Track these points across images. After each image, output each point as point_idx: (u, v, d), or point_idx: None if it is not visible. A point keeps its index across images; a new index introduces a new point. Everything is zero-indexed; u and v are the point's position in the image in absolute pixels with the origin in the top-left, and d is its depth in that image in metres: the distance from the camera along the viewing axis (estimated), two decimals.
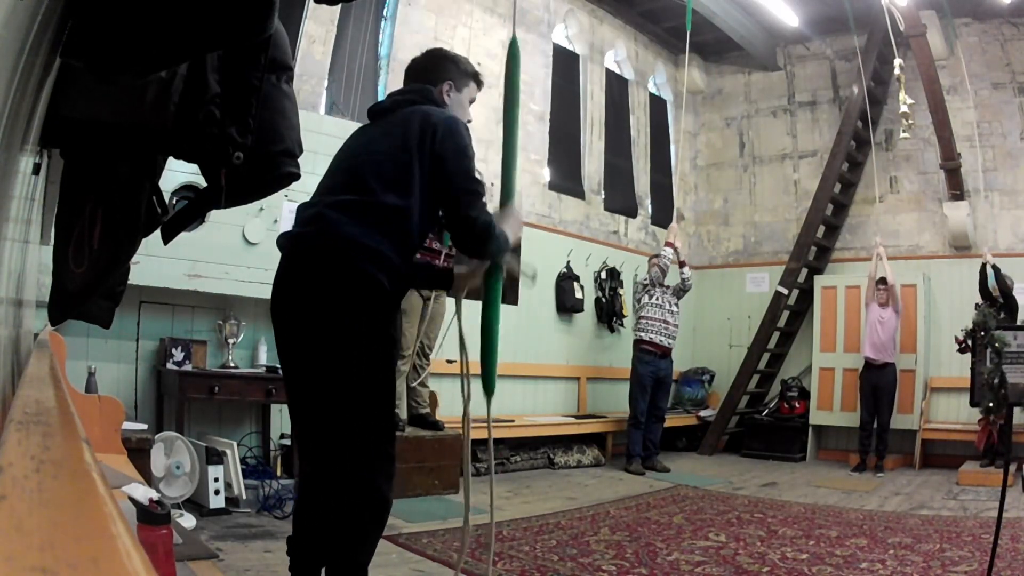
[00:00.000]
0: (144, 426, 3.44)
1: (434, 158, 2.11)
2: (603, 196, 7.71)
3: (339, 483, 2.10)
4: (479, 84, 2.45)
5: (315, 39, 5.19)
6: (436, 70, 2.36)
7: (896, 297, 6.62)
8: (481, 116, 6.38)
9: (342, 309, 2.05)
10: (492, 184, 6.46)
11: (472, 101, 2.44)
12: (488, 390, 2.34)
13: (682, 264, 6.54)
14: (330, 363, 2.06)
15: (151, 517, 1.39)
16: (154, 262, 3.59)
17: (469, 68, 2.42)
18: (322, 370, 2.07)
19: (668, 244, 6.43)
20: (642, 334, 6.37)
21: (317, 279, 2.06)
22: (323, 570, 2.20)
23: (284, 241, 2.16)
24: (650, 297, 6.38)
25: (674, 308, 6.42)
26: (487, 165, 6.39)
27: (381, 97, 5.24)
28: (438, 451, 4.68)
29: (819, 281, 7.68)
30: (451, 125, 2.17)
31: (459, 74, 2.38)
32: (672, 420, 7.11)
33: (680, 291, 6.54)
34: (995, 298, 6.17)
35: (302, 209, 2.19)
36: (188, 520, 3.30)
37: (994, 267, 6.26)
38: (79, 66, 1.09)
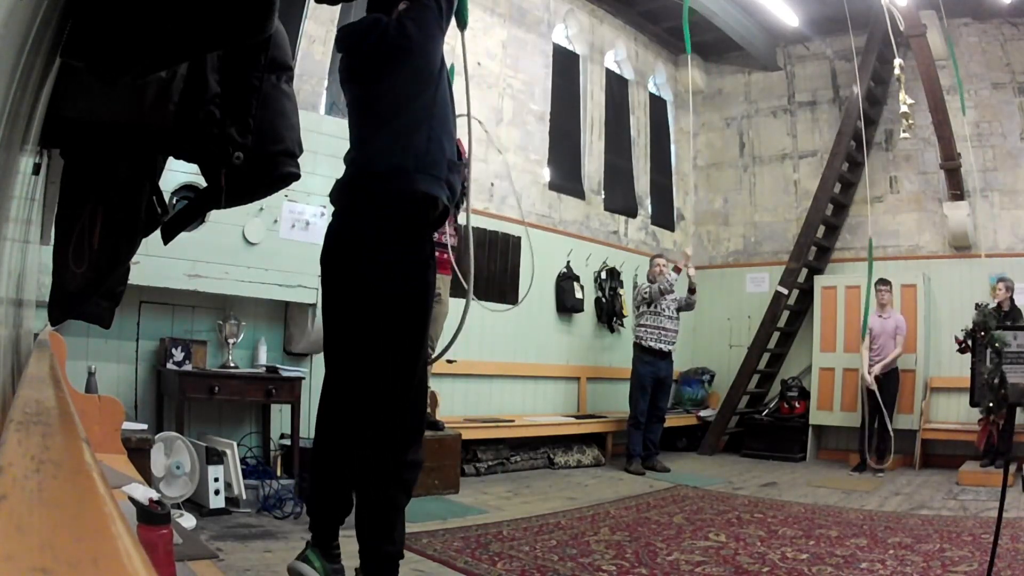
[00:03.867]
0: (144, 426, 3.44)
1: (415, 33, 2.23)
2: (603, 196, 7.71)
3: (371, 443, 2.18)
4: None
5: (315, 39, 5.20)
6: None
7: (900, 327, 6.57)
8: (481, 116, 6.37)
9: (393, 229, 2.20)
10: (492, 184, 6.46)
11: None
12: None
13: (692, 290, 6.41)
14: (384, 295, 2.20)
15: (151, 517, 1.38)
16: (154, 262, 3.59)
17: None
18: (372, 313, 2.20)
19: (676, 269, 6.33)
20: (640, 341, 6.38)
21: (372, 201, 2.21)
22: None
23: (335, 194, 2.32)
24: (648, 307, 6.37)
25: (673, 314, 6.42)
26: (487, 165, 6.39)
27: None
28: (438, 451, 4.68)
29: (819, 281, 7.68)
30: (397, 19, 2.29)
31: None
32: (672, 420, 7.11)
33: (683, 308, 6.50)
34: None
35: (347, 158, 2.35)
36: (188, 520, 3.29)
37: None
38: (79, 66, 1.09)
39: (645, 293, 6.39)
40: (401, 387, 2.18)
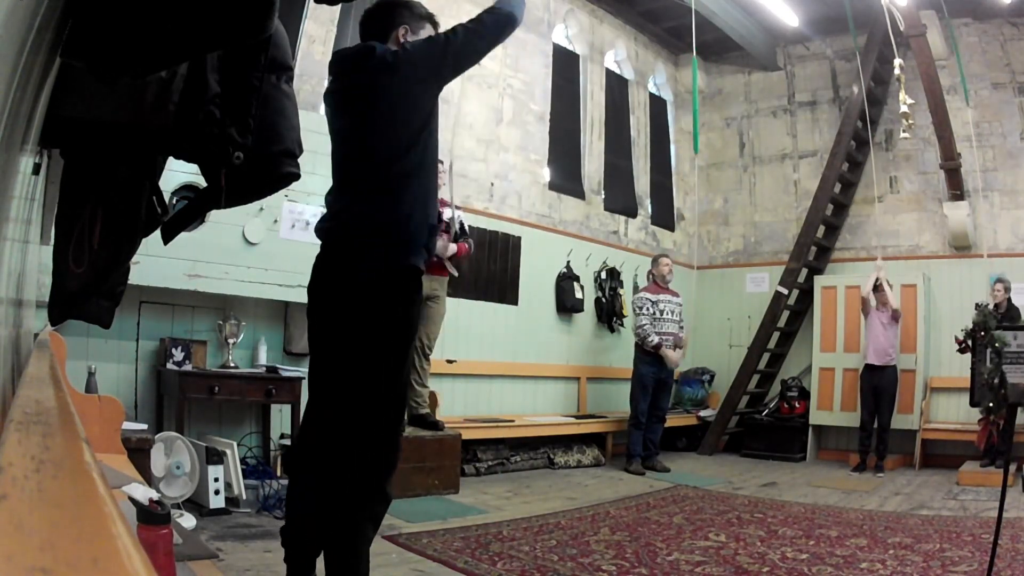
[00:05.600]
0: (144, 426, 3.44)
1: (404, 74, 2.16)
2: (603, 196, 7.71)
3: (346, 475, 2.14)
4: (435, 25, 2.39)
5: (315, 39, 5.19)
6: (389, 18, 2.31)
7: (895, 306, 6.56)
8: (481, 116, 6.39)
9: (375, 295, 2.15)
10: (492, 184, 6.46)
11: None
12: None
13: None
14: (361, 347, 2.16)
15: (151, 517, 1.38)
16: (154, 262, 3.59)
17: (422, 10, 2.36)
18: (352, 355, 2.17)
19: (656, 347, 6.23)
20: (641, 343, 6.37)
21: (353, 268, 2.18)
22: (319, 566, 2.22)
23: (321, 234, 2.28)
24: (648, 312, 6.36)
25: (676, 318, 6.41)
26: (487, 165, 6.40)
27: None
28: (438, 451, 4.68)
29: (819, 281, 7.68)
30: (393, 49, 2.23)
31: (413, 17, 2.32)
32: (672, 420, 7.10)
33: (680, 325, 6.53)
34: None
35: (330, 200, 2.29)
36: (188, 520, 3.30)
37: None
38: (79, 66, 1.09)
39: (641, 304, 6.35)
40: (382, 422, 2.15)
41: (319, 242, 2.27)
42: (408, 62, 2.16)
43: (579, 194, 7.42)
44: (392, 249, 2.14)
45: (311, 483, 2.20)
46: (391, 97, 2.15)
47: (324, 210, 2.31)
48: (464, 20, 2.26)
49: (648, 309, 6.32)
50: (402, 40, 2.27)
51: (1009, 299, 6.15)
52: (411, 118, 2.16)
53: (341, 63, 2.30)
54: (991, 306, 6.01)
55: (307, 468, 2.23)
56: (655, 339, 6.22)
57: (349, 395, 2.15)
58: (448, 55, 2.19)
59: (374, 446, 2.14)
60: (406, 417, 4.90)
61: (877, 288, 6.58)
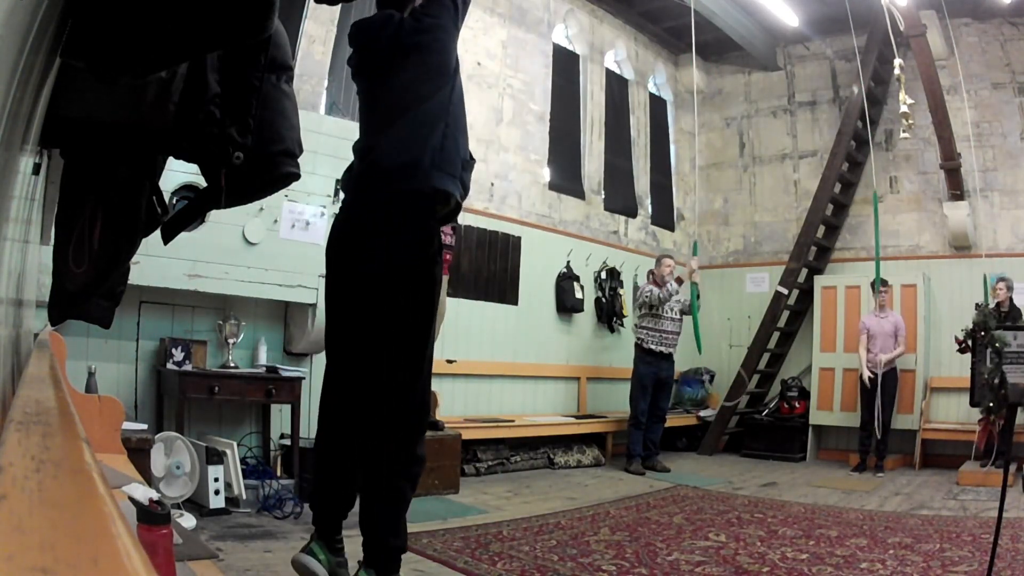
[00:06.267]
0: (144, 426, 3.44)
1: (436, 35, 2.29)
2: (603, 196, 7.71)
3: (376, 441, 2.21)
4: None
5: (315, 39, 5.19)
6: None
7: (900, 327, 6.54)
8: (481, 116, 6.39)
9: (403, 251, 2.23)
10: (492, 184, 6.46)
11: None
12: None
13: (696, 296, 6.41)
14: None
15: (151, 517, 1.38)
16: (154, 262, 3.59)
17: None
18: (380, 316, 2.24)
19: (679, 280, 6.31)
20: (641, 343, 6.38)
21: (378, 225, 2.25)
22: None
23: (347, 184, 2.35)
24: (650, 309, 6.36)
25: (675, 316, 6.42)
26: (487, 165, 6.39)
27: None
28: (438, 451, 4.68)
29: (819, 281, 7.68)
30: (418, 14, 2.33)
31: None
32: (672, 420, 7.11)
33: (686, 312, 6.50)
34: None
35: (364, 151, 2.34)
36: (188, 520, 3.29)
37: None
38: (79, 66, 1.09)
39: (647, 296, 6.36)
40: (409, 381, 2.20)
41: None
42: (437, 26, 2.29)
43: (579, 194, 7.42)
44: (426, 172, 2.20)
45: (340, 444, 2.23)
46: (426, 53, 2.27)
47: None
48: (463, 35, 2.38)
49: (650, 298, 6.31)
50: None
51: (1011, 299, 6.15)
52: (447, 63, 2.30)
53: (368, 31, 2.36)
54: (993, 305, 6.01)
55: (335, 429, 2.26)
56: (663, 292, 6.22)
57: (376, 355, 2.18)
58: (460, 5, 2.35)
59: (407, 406, 2.18)
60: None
61: (883, 283, 6.57)
